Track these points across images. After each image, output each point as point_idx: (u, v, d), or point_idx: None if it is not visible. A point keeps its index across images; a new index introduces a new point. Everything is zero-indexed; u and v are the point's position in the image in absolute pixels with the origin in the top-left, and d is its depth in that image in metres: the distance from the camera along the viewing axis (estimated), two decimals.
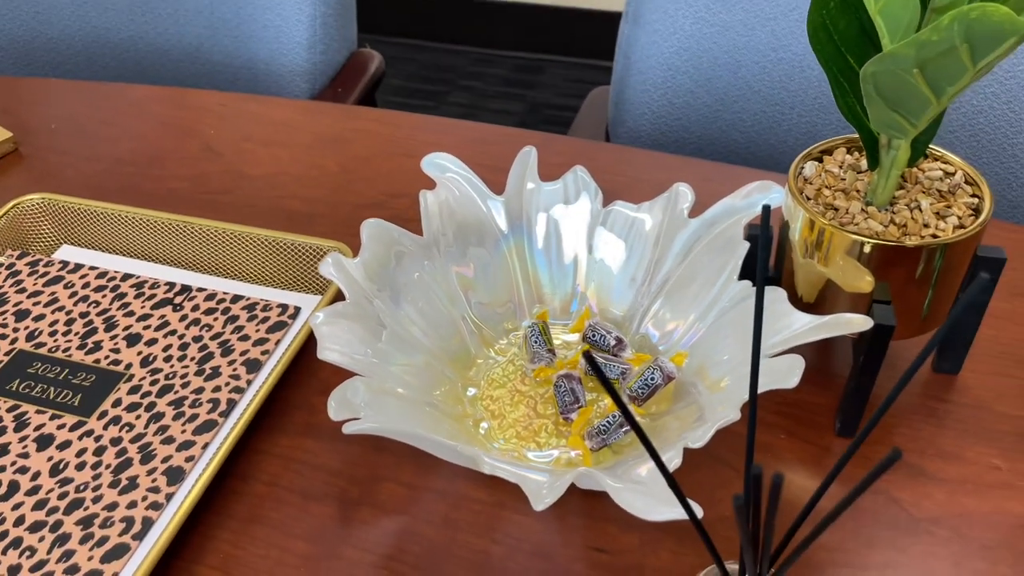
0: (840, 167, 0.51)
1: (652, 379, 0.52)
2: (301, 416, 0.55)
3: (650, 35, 0.91)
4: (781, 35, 0.88)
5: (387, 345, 0.51)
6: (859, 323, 0.46)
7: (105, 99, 0.88)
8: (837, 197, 0.49)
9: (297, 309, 0.60)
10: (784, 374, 0.44)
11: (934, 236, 0.46)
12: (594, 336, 0.56)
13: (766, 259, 0.30)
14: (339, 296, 0.60)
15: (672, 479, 0.32)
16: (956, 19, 0.34)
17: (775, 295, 0.49)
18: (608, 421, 0.50)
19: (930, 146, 0.50)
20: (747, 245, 0.52)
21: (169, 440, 0.52)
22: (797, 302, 0.52)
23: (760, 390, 0.44)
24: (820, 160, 0.52)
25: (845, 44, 0.44)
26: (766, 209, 0.29)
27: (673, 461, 0.42)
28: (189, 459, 0.51)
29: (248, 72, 1.04)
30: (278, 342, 0.57)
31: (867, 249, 0.47)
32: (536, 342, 0.55)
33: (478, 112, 2.28)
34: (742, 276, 0.52)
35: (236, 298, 0.61)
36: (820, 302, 0.51)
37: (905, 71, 0.38)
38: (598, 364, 0.27)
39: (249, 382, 0.55)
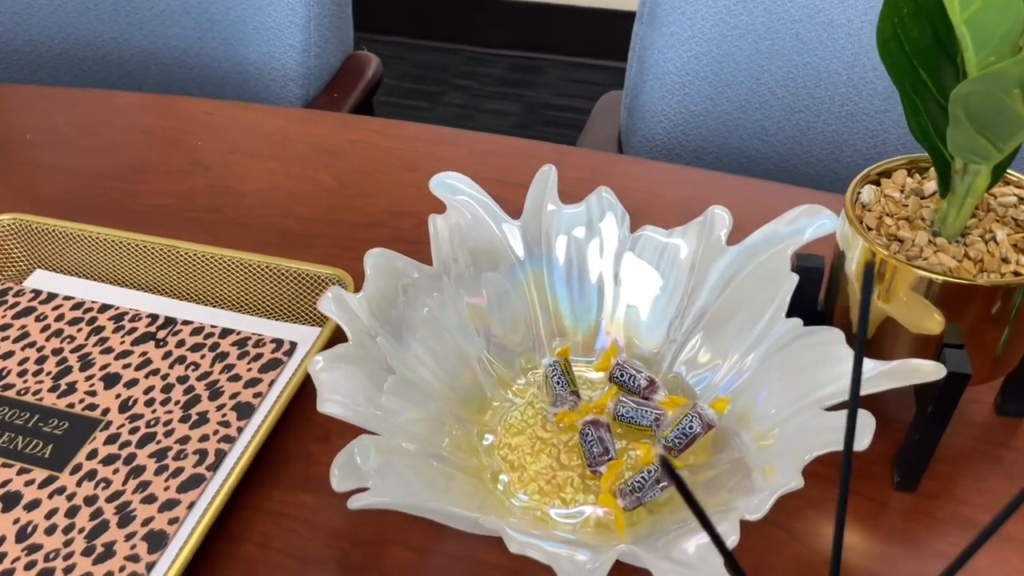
0: (901, 191, 0.46)
1: (690, 428, 0.47)
2: (297, 466, 0.50)
3: (666, 38, 0.86)
4: (806, 39, 0.83)
5: (394, 391, 0.46)
6: (930, 371, 0.41)
7: (85, 107, 0.82)
8: (901, 227, 0.44)
9: (293, 345, 0.54)
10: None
11: (1016, 274, 0.41)
12: (622, 376, 0.50)
13: (864, 331, 0.25)
14: (339, 331, 0.55)
15: (736, 566, 0.27)
16: None
17: (831, 336, 0.44)
18: (643, 477, 0.45)
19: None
20: (795, 278, 0.47)
21: (150, 499, 0.46)
22: (851, 338, 0.46)
23: (819, 451, 0.39)
24: (877, 183, 0.47)
25: (918, 57, 0.39)
26: (869, 270, 0.24)
27: (730, 537, 0.36)
28: (173, 521, 0.45)
29: (238, 76, 0.98)
30: (272, 383, 0.52)
31: (937, 286, 0.42)
32: (558, 383, 0.50)
33: (474, 113, 2.23)
34: (791, 313, 0.47)
35: (225, 332, 0.55)
36: (879, 341, 0.46)
37: (1004, 92, 0.32)
38: (685, 484, 0.21)
39: (240, 430, 0.49)
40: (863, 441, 0.38)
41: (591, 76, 2.32)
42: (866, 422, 0.39)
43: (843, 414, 0.40)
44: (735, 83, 0.86)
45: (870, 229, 0.44)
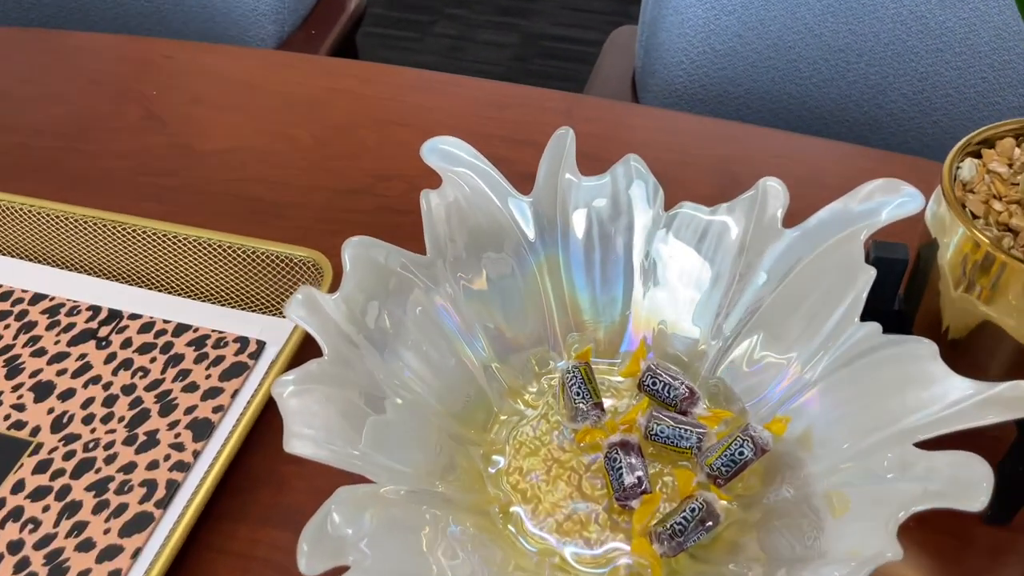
0: (1010, 166, 0.37)
1: (741, 454, 0.38)
2: (267, 494, 0.42)
3: None
4: None
5: (381, 417, 0.37)
6: None
7: (23, 50, 0.71)
8: (1014, 213, 0.35)
9: (261, 344, 0.46)
10: (958, 486, 0.31)
11: None
12: (654, 384, 0.42)
13: None
14: None
15: None
16: None
17: (921, 349, 0.35)
18: (685, 518, 0.37)
19: None
20: (872, 272, 0.38)
21: (87, 545, 0.38)
22: (939, 339, 0.37)
23: (919, 506, 0.31)
24: (978, 155, 0.38)
25: None
26: None
27: None
28: (114, 574, 0.37)
29: (202, 11, 0.87)
30: (235, 393, 0.43)
31: None
32: (578, 394, 0.42)
33: (467, 44, 2.10)
34: (867, 315, 0.38)
35: (180, 329, 0.46)
36: (974, 351, 0.37)
37: None
38: None
39: (196, 454, 0.41)
40: (974, 499, 0.30)
41: (591, 4, 2.19)
42: (975, 470, 0.31)
43: (947, 455, 0.32)
44: (767, 18, 0.75)
45: (976, 217, 0.35)
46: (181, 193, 0.57)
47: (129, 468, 0.40)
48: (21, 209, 0.52)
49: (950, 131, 0.77)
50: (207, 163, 0.60)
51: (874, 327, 0.37)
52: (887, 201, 0.40)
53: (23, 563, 0.37)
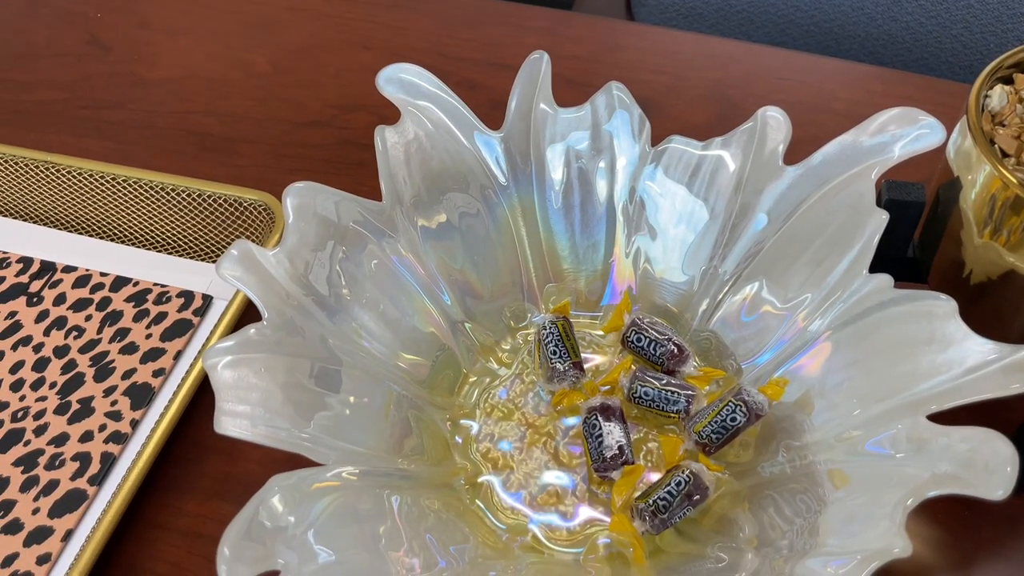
0: None
1: (733, 420, 0.35)
2: (216, 464, 0.38)
3: None
4: None
5: (334, 394, 0.33)
6: None
7: None
8: None
9: (207, 299, 0.41)
10: (975, 469, 0.27)
11: None
12: (639, 340, 0.38)
13: None
14: None
15: None
16: None
17: (938, 307, 0.31)
18: (669, 492, 0.33)
19: None
20: (883, 216, 0.33)
21: (14, 527, 0.35)
22: (958, 292, 0.33)
23: (934, 491, 0.27)
24: (1009, 81, 0.33)
25: None
26: None
27: None
28: (43, 560, 0.34)
29: None
30: (179, 355, 0.39)
31: None
32: (555, 352, 0.38)
33: None
34: (876, 266, 0.34)
35: (119, 283, 0.42)
36: (995, 305, 0.33)
37: None
38: None
39: (135, 423, 0.37)
40: (995, 486, 0.26)
41: None
42: (997, 450, 0.27)
43: (963, 431, 0.28)
44: None
45: (1007, 156, 0.30)
46: (125, 128, 0.52)
47: (61, 440, 0.37)
48: None
49: (970, 45, 0.71)
50: (155, 94, 0.54)
51: (885, 279, 0.33)
52: (902, 134, 0.35)
53: None
